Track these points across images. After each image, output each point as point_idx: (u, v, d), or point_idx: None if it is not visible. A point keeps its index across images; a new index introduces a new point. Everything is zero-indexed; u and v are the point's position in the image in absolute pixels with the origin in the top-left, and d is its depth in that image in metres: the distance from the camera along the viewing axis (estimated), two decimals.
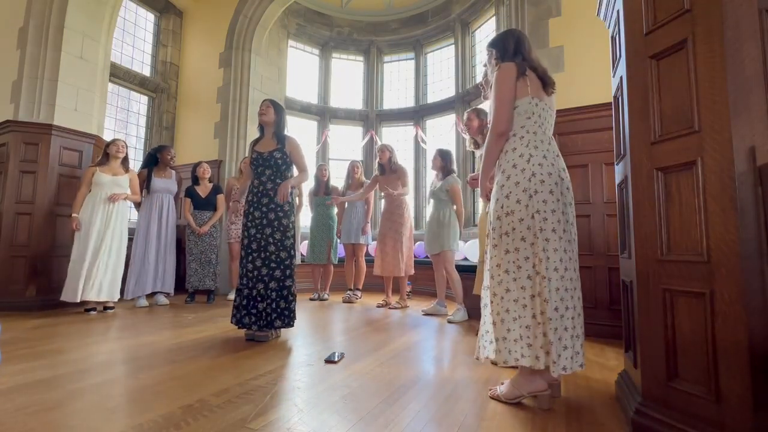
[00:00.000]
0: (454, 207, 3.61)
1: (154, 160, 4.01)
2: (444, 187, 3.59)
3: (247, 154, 2.91)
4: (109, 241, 3.48)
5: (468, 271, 3.63)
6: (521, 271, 1.49)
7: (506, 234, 1.53)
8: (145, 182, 3.88)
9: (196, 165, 4.27)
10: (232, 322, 2.54)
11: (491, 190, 1.68)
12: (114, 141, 3.65)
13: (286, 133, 2.70)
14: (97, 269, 3.38)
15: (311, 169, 4.66)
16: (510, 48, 1.69)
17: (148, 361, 2.02)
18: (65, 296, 3.33)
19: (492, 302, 1.56)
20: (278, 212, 2.56)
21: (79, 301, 3.32)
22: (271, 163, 2.58)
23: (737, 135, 1.04)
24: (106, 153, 3.60)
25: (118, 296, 3.55)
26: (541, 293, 1.46)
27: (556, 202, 1.51)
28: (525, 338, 1.47)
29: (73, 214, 3.43)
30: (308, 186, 4.71)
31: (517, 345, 1.47)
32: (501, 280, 1.53)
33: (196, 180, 4.23)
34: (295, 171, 2.72)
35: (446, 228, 3.52)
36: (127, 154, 3.72)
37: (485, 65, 1.84)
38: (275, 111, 2.64)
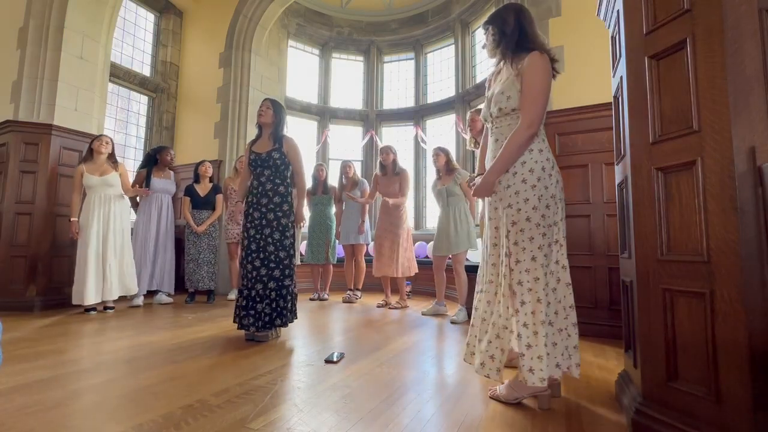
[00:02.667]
0: (466, 202, 3.57)
1: (154, 160, 4.01)
2: (457, 181, 3.54)
3: (245, 154, 2.91)
4: (113, 242, 3.47)
5: (472, 272, 3.62)
6: (551, 278, 1.48)
7: (542, 235, 1.46)
8: (144, 182, 3.89)
9: (199, 163, 4.29)
10: (234, 322, 2.54)
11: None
12: (98, 137, 3.56)
13: (284, 133, 2.70)
14: (109, 270, 3.41)
15: (309, 170, 4.70)
16: (510, 21, 1.56)
17: (148, 361, 2.02)
18: (76, 299, 3.31)
19: (519, 311, 1.44)
20: (277, 212, 2.56)
21: (92, 303, 3.33)
22: (270, 163, 2.58)
23: (737, 135, 1.04)
24: (90, 149, 3.54)
25: (136, 289, 3.58)
26: (568, 298, 1.49)
27: (563, 210, 1.56)
28: (553, 355, 1.44)
29: (72, 219, 3.40)
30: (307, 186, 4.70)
31: (544, 362, 1.39)
32: (530, 288, 1.43)
33: (197, 178, 4.24)
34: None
35: (464, 226, 3.47)
36: (113, 150, 3.62)
37: (484, 46, 1.71)
38: (275, 112, 2.63)
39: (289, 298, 2.55)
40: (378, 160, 4.12)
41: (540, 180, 1.48)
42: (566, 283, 1.50)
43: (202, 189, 4.20)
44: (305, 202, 4.57)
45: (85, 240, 3.36)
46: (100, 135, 3.62)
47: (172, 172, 4.13)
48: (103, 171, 3.53)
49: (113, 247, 3.48)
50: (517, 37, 1.56)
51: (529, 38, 1.55)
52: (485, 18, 1.70)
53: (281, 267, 2.53)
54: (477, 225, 3.83)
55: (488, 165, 1.63)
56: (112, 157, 3.63)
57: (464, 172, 3.61)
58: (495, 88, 1.62)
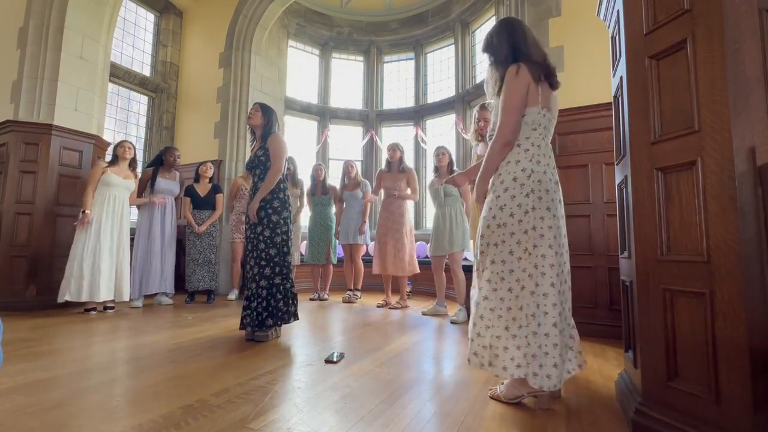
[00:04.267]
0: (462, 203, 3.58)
1: (160, 161, 4.03)
2: None
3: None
4: (126, 243, 3.58)
5: (470, 271, 3.63)
6: (504, 283, 1.49)
7: (495, 245, 1.53)
8: (149, 182, 3.90)
9: (201, 163, 4.31)
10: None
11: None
12: (121, 143, 3.69)
13: (276, 131, 2.68)
14: (120, 269, 3.50)
15: (308, 170, 4.69)
16: (504, 48, 1.60)
17: (148, 361, 2.02)
18: (79, 297, 3.28)
19: (481, 309, 1.56)
20: (267, 209, 2.55)
21: (103, 300, 3.36)
22: (257, 162, 2.59)
23: (737, 135, 1.04)
24: (116, 155, 3.64)
25: (129, 294, 3.60)
26: (531, 306, 1.44)
27: (552, 218, 1.49)
28: (513, 349, 1.45)
29: (87, 210, 3.39)
30: (306, 186, 4.71)
31: (507, 354, 1.46)
32: (486, 294, 1.53)
33: (197, 178, 4.25)
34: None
35: (459, 227, 3.49)
36: (135, 155, 3.75)
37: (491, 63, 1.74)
38: (263, 113, 2.65)
39: (279, 296, 2.50)
40: (385, 158, 4.14)
41: (507, 190, 1.53)
42: (530, 292, 1.44)
43: (202, 189, 4.20)
44: (305, 202, 4.62)
45: (98, 236, 3.39)
46: (122, 141, 3.72)
47: (177, 173, 4.15)
48: (126, 176, 3.64)
49: (125, 249, 3.58)
50: (512, 60, 1.59)
51: (523, 54, 1.58)
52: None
53: (272, 265, 2.51)
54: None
55: None
56: (133, 163, 3.73)
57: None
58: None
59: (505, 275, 1.49)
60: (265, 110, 2.66)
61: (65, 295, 3.28)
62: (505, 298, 1.48)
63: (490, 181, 1.63)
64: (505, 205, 1.52)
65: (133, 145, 3.74)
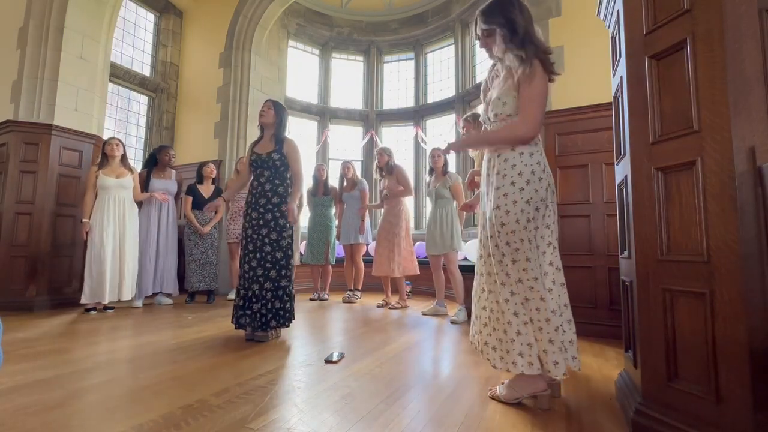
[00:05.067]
0: (455, 204, 3.60)
1: (154, 161, 4.02)
2: (447, 183, 3.58)
3: (246, 155, 2.95)
4: (131, 243, 3.58)
5: (469, 271, 3.63)
6: (538, 282, 1.47)
7: (529, 241, 1.47)
8: (144, 183, 3.89)
9: (203, 164, 4.29)
10: (232, 322, 2.54)
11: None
12: (108, 141, 3.62)
13: (286, 134, 2.70)
14: (127, 271, 3.51)
15: (309, 170, 4.70)
16: (520, 22, 1.49)
17: (148, 361, 2.02)
18: (90, 298, 3.35)
19: (504, 312, 1.51)
20: (275, 212, 2.56)
21: (108, 302, 3.41)
22: (269, 164, 2.58)
23: (737, 135, 1.04)
24: (104, 154, 3.58)
25: (134, 293, 3.63)
26: (563, 297, 1.50)
27: (555, 213, 1.56)
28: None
29: (84, 220, 3.43)
30: (306, 186, 4.71)
31: (554, 347, 1.48)
32: (532, 287, 1.47)
33: (200, 179, 4.24)
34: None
35: (451, 227, 3.51)
36: (125, 152, 3.68)
37: (482, 46, 1.63)
38: (276, 112, 2.64)
39: (286, 299, 2.53)
40: (375, 164, 4.16)
41: (529, 183, 1.49)
42: (560, 284, 1.51)
43: (206, 190, 4.20)
44: (305, 202, 4.62)
45: (101, 240, 3.40)
46: (110, 138, 3.65)
47: (173, 172, 4.12)
48: (119, 174, 3.59)
49: (131, 249, 3.57)
50: (528, 40, 1.50)
51: (533, 40, 1.52)
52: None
53: (277, 267, 2.52)
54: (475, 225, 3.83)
55: (483, 167, 1.69)
56: (124, 159, 3.68)
57: (455, 176, 3.64)
58: (492, 93, 1.61)
59: (538, 275, 1.47)
60: (278, 109, 2.66)
61: (89, 298, 3.37)
62: (546, 298, 1.47)
63: (504, 173, 1.53)
64: (531, 198, 1.48)
65: (120, 141, 3.66)
